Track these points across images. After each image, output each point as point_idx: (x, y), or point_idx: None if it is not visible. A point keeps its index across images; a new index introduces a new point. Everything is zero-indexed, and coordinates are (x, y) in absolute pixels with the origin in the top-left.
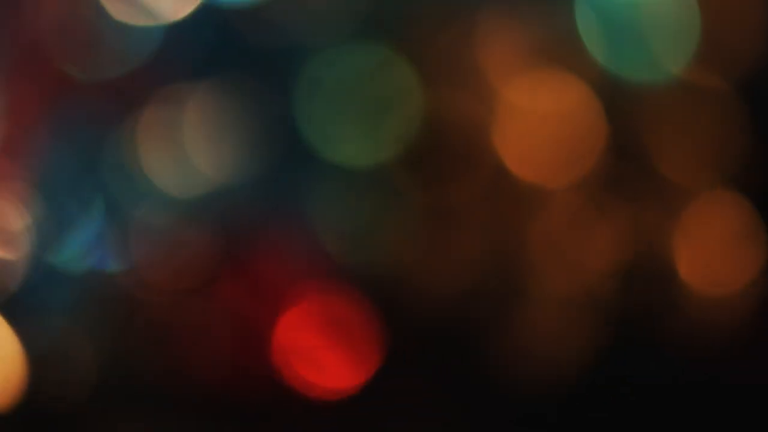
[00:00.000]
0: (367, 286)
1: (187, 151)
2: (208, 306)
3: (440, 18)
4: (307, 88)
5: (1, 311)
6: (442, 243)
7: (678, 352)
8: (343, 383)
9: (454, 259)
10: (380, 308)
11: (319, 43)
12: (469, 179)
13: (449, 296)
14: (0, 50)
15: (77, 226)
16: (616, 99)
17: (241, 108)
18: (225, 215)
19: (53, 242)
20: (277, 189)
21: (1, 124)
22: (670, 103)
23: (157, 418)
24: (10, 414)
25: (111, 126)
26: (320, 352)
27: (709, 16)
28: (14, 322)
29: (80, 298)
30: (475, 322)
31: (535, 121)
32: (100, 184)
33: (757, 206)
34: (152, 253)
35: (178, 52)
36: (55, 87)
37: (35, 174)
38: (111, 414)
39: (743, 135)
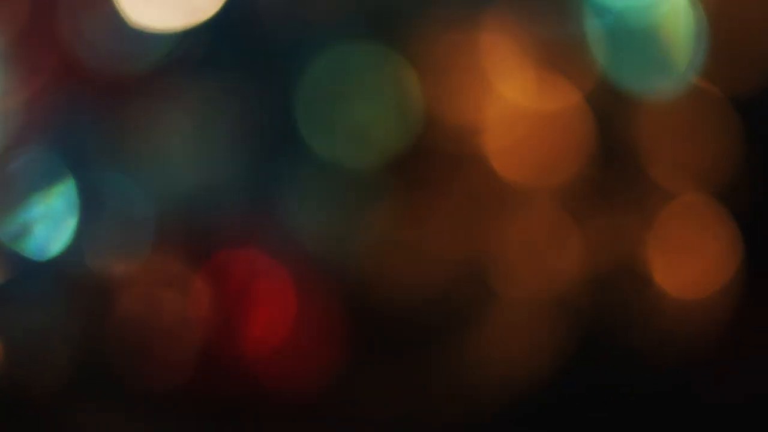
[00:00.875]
0: (344, 285)
1: (173, 146)
2: (183, 300)
3: (425, 20)
4: (301, 87)
5: None
6: (420, 243)
7: (651, 357)
8: (315, 380)
9: (432, 259)
10: (355, 307)
11: (315, 40)
12: (449, 179)
13: (425, 296)
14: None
15: (53, 217)
16: (604, 103)
17: (229, 104)
18: (205, 211)
19: (29, 233)
20: (259, 186)
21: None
22: (656, 109)
23: (132, 411)
24: None
25: (100, 118)
26: (294, 349)
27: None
28: None
29: (55, 291)
30: (449, 323)
31: (521, 123)
32: (81, 177)
33: (734, 213)
34: (130, 247)
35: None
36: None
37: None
38: (85, 407)
39: (723, 143)
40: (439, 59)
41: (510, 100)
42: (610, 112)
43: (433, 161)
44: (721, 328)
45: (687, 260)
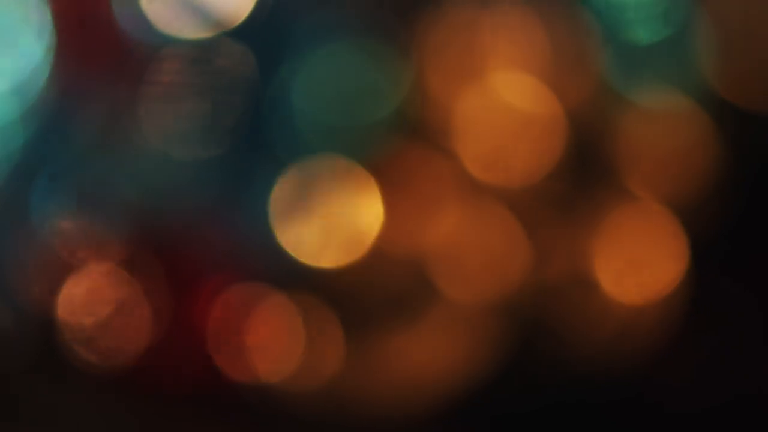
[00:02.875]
0: (290, 278)
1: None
2: (130, 289)
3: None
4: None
5: None
6: (378, 239)
7: (596, 363)
8: (260, 372)
9: (384, 256)
10: (308, 303)
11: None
12: (411, 175)
13: (373, 293)
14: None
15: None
16: (576, 109)
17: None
18: (160, 200)
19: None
20: (217, 179)
21: None
22: (628, 116)
23: (84, 396)
24: None
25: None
26: (240, 341)
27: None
28: None
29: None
30: (394, 320)
31: (493, 122)
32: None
33: (683, 218)
34: (82, 232)
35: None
36: None
37: None
38: (38, 391)
39: (682, 150)
40: (428, 56)
41: (489, 99)
42: (580, 119)
43: (399, 156)
44: (668, 335)
45: (635, 267)
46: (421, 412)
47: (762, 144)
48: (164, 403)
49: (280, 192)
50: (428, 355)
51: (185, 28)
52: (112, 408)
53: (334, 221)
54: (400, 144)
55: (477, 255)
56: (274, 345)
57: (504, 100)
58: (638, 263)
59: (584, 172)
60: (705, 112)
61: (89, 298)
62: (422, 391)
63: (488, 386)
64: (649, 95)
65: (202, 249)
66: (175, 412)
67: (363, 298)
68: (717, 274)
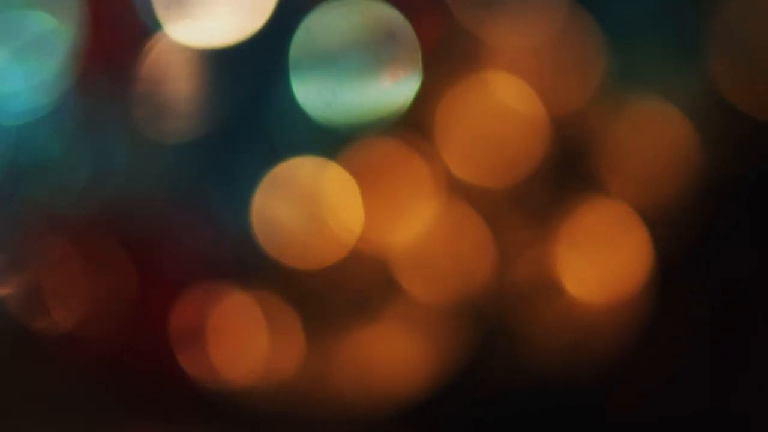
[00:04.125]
0: (258, 276)
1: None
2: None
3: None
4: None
5: None
6: (342, 234)
7: (557, 366)
8: (222, 370)
9: (350, 251)
10: (266, 298)
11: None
12: (383, 171)
13: (336, 293)
14: None
15: None
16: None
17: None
18: (137, 193)
19: None
20: (198, 174)
21: None
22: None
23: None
24: None
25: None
26: (202, 337)
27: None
28: None
29: None
30: (356, 320)
31: (471, 120)
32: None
33: (654, 222)
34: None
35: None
36: None
37: None
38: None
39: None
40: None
41: (472, 99)
42: (562, 122)
43: (372, 154)
44: (632, 336)
45: (599, 271)
46: (380, 412)
47: (742, 150)
48: (128, 397)
49: (261, 190)
50: (389, 355)
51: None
52: (80, 398)
53: (315, 220)
54: (376, 141)
55: (443, 255)
56: (237, 343)
57: (488, 99)
58: (603, 266)
59: (558, 176)
60: (689, 117)
61: (58, 289)
62: (381, 391)
63: (447, 388)
64: (635, 99)
65: (174, 243)
66: (137, 406)
67: (328, 296)
68: (682, 278)
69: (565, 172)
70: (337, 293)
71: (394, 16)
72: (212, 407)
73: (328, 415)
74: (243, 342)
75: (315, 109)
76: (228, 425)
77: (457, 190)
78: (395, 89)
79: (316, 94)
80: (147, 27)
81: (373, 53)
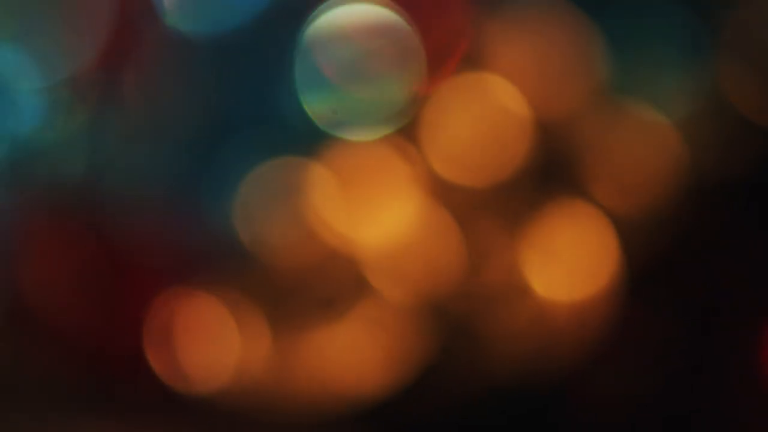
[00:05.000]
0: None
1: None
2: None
3: None
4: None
5: None
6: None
7: (520, 370)
8: (204, 374)
9: (323, 254)
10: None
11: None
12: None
13: (305, 291)
14: None
15: None
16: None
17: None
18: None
19: None
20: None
21: None
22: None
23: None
24: None
25: None
26: (185, 342)
27: None
28: None
29: None
30: (322, 319)
31: (450, 119)
32: None
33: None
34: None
35: None
36: None
37: None
38: None
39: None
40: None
41: (459, 98)
42: (547, 126)
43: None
44: (600, 336)
45: (568, 273)
46: (344, 412)
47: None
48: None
49: (244, 187)
50: (354, 355)
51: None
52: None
53: (295, 218)
54: (355, 141)
55: (414, 256)
56: (206, 342)
57: (472, 100)
58: (572, 271)
59: (537, 180)
60: (676, 123)
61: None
62: (345, 391)
63: (412, 389)
64: (624, 104)
65: (152, 239)
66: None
67: (299, 296)
68: (652, 283)
69: (546, 176)
70: (307, 292)
71: (395, 17)
72: (181, 405)
73: (293, 415)
74: (213, 342)
75: (318, 111)
76: (196, 424)
77: (433, 190)
78: (397, 90)
79: (319, 97)
80: (147, 21)
81: (375, 54)
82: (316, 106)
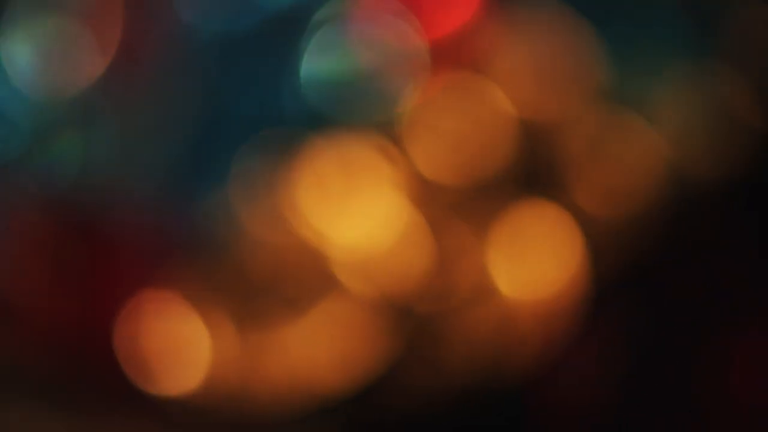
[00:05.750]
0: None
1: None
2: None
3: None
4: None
5: None
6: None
7: (483, 370)
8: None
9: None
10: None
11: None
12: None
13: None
14: None
15: None
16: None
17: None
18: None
19: None
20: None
21: None
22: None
23: None
24: None
25: None
26: (158, 343)
27: None
28: None
29: None
30: (285, 315)
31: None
32: None
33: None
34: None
35: None
36: None
37: None
38: None
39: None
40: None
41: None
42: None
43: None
44: (561, 344)
45: (535, 275)
46: (305, 409)
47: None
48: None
49: (223, 185)
50: (319, 352)
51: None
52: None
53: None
54: (334, 138)
55: (383, 254)
56: (172, 340)
57: (456, 100)
58: (539, 273)
59: (514, 182)
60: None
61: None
62: (309, 388)
63: (373, 388)
64: (613, 110)
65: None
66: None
67: (267, 293)
68: (619, 289)
69: (524, 180)
70: (277, 290)
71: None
72: (150, 403)
73: (260, 412)
74: (183, 340)
75: (320, 103)
76: (163, 421)
77: (410, 190)
78: (393, 88)
79: (323, 89)
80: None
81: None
82: (311, 101)
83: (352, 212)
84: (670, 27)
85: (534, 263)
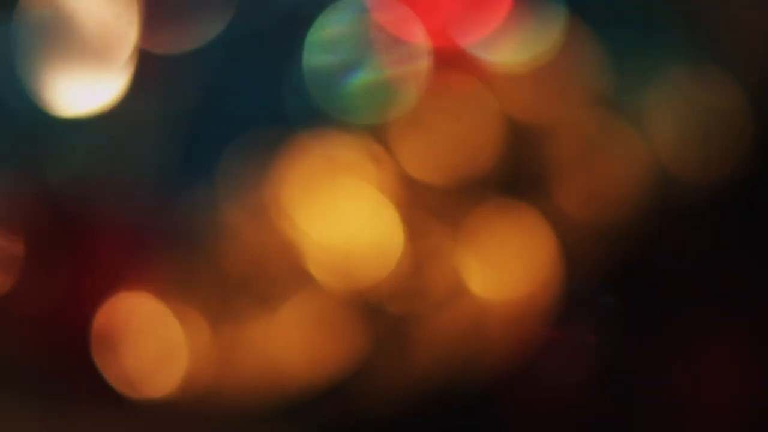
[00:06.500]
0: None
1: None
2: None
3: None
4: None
5: None
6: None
7: (452, 370)
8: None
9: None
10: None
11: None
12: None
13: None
14: None
15: None
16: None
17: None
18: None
19: None
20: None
21: None
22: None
23: None
24: None
25: None
26: (132, 343)
27: None
28: None
29: None
30: (264, 314)
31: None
32: None
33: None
34: None
35: None
36: None
37: None
38: None
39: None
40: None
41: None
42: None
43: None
44: (535, 338)
45: (508, 273)
46: (275, 407)
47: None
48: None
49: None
50: (290, 350)
51: None
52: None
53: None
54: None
55: (358, 251)
56: (146, 339)
57: (454, 102)
58: (512, 275)
59: (496, 184)
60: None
61: None
62: (279, 386)
63: (343, 386)
64: (602, 116)
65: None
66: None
67: (238, 290)
68: (592, 285)
69: (507, 181)
70: (250, 288)
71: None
72: (123, 401)
73: (229, 410)
74: (157, 339)
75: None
76: (136, 420)
77: (390, 190)
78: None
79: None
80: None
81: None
82: (303, 98)
83: (331, 210)
84: (666, 31)
85: (508, 265)
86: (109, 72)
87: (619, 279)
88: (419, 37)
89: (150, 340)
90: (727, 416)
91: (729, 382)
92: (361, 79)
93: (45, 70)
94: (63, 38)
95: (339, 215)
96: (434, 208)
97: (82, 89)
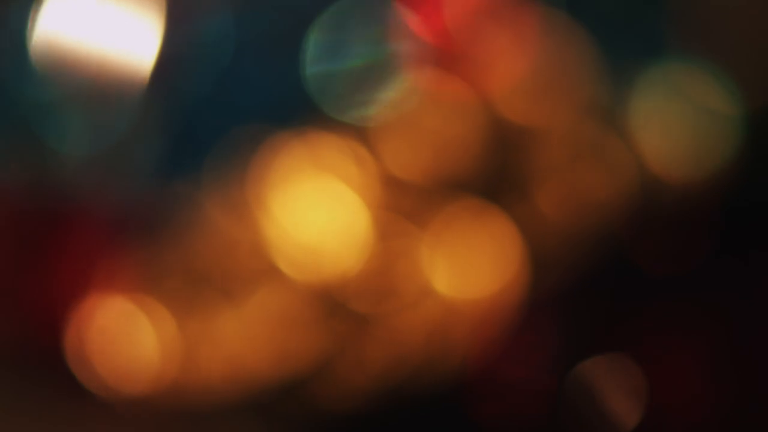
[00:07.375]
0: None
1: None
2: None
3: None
4: None
5: None
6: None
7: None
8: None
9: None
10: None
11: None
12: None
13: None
14: None
15: None
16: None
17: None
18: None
19: None
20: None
21: None
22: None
23: None
24: None
25: None
26: (101, 341)
27: None
28: None
29: None
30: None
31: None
32: None
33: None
34: None
35: None
36: None
37: None
38: None
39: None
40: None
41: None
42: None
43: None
44: (500, 338)
45: (471, 270)
46: (237, 402)
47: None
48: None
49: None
50: (254, 346)
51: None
52: None
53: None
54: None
55: (325, 248)
56: (114, 338)
57: (442, 102)
58: (475, 274)
59: (476, 186)
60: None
61: None
62: (243, 382)
63: (307, 383)
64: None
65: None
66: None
67: (204, 285)
68: (560, 287)
69: (485, 184)
70: (215, 283)
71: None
72: (93, 399)
73: (196, 407)
74: (125, 336)
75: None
76: (104, 417)
77: (362, 189)
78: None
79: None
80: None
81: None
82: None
83: (302, 207)
84: (657, 32)
85: (474, 265)
86: (102, 71)
87: (595, 280)
88: (414, 38)
89: (121, 337)
90: (704, 417)
91: (707, 383)
92: (353, 76)
93: (39, 61)
94: (61, 36)
95: (310, 212)
96: (407, 209)
97: (77, 85)
